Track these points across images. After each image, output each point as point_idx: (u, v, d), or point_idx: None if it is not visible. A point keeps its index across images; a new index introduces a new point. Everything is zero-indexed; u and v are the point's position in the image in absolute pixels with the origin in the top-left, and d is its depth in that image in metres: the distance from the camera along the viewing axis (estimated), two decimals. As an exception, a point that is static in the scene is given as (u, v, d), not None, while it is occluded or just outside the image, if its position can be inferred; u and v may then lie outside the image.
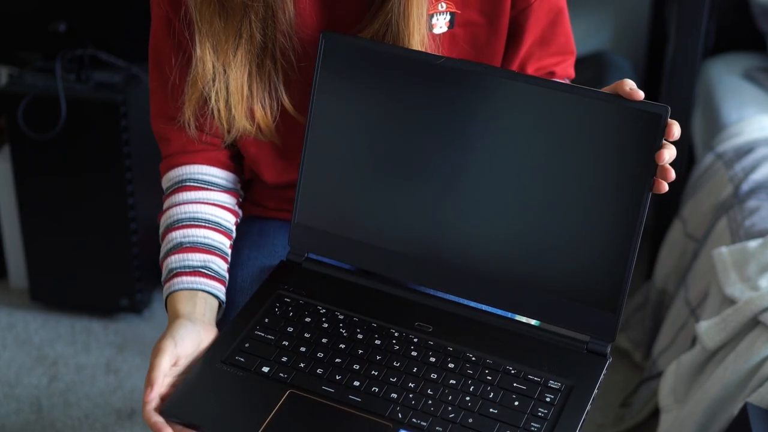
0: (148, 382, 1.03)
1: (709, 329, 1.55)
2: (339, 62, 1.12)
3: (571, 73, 1.25)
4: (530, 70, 1.20)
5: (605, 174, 1.03)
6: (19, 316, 2.29)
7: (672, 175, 1.00)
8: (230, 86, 1.11)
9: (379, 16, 1.10)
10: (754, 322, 1.50)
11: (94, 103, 2.07)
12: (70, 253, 2.22)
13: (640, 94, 1.01)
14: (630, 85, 1.01)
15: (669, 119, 1.00)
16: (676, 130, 1.00)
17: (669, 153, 1.00)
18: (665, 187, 1.01)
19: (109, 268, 2.22)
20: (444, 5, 1.13)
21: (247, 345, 1.09)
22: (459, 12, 1.14)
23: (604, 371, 1.04)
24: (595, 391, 1.02)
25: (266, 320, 1.12)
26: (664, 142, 1.00)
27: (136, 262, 2.21)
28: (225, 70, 1.11)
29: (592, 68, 2.46)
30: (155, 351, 1.05)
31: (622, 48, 2.64)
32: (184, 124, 1.16)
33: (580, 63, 2.52)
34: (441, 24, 1.14)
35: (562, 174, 1.05)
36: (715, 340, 1.54)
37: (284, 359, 1.07)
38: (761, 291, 1.52)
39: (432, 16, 1.13)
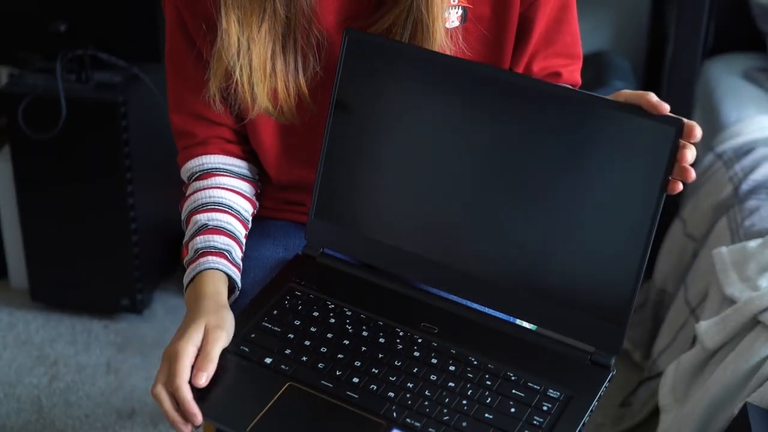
0: (182, 400, 1.02)
1: (708, 329, 1.55)
2: (361, 60, 1.12)
3: (578, 78, 1.24)
4: (536, 69, 1.20)
5: (617, 187, 1.03)
6: (19, 315, 2.29)
7: (692, 175, 0.99)
8: (254, 62, 1.11)
9: (396, 8, 1.10)
10: (754, 322, 1.50)
11: (94, 104, 2.07)
12: (70, 253, 2.22)
13: (666, 107, 0.99)
14: (656, 97, 0.99)
15: (688, 121, 0.98)
16: (697, 131, 0.98)
17: (690, 153, 0.98)
18: (680, 187, 1.00)
19: (109, 268, 2.22)
20: None
21: (253, 335, 1.10)
22: (471, 7, 1.13)
23: (605, 383, 1.03)
24: (595, 402, 1.02)
25: (275, 312, 1.12)
26: (683, 143, 0.98)
27: (137, 262, 2.21)
28: (249, 45, 1.11)
29: (592, 68, 2.45)
30: (174, 354, 1.04)
31: (622, 48, 2.64)
32: (209, 99, 1.16)
33: (580, 63, 2.53)
34: (453, 18, 1.13)
35: (576, 185, 1.04)
36: (714, 340, 1.54)
37: (287, 352, 1.07)
38: (761, 291, 1.52)
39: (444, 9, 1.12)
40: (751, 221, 1.75)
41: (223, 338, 1.06)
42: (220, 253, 1.15)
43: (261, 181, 1.29)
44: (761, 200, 1.80)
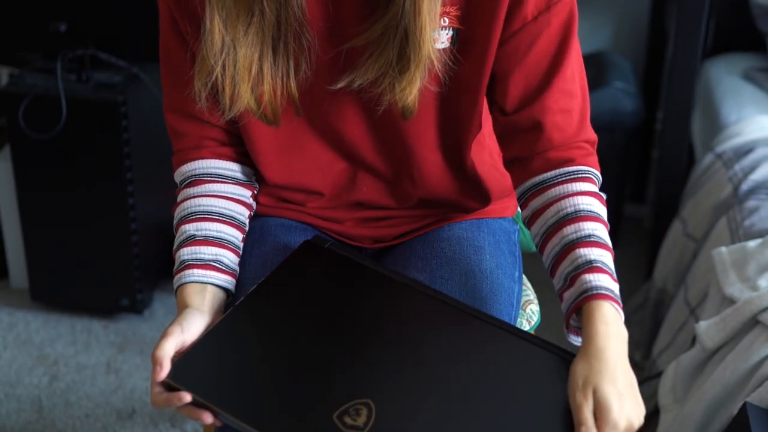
0: (156, 361, 1.04)
1: (708, 329, 1.55)
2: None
3: (592, 163, 1.17)
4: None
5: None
6: (19, 316, 2.29)
7: None
8: (238, 63, 1.11)
9: (386, 17, 1.07)
10: (753, 322, 1.50)
11: (94, 103, 2.07)
12: (70, 253, 2.22)
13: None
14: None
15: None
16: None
17: None
18: None
19: (109, 268, 2.22)
20: (447, 20, 1.09)
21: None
22: (462, 29, 1.10)
23: None
24: None
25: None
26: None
27: (137, 262, 2.21)
28: (234, 46, 1.10)
29: (592, 68, 2.46)
30: (163, 334, 1.07)
31: (622, 48, 2.65)
32: (195, 96, 1.15)
33: (580, 63, 2.53)
34: (443, 39, 1.10)
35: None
36: (714, 339, 1.54)
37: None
38: (761, 291, 1.52)
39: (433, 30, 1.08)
40: (750, 221, 1.75)
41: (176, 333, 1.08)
42: (207, 264, 1.16)
43: (258, 180, 1.29)
44: (761, 200, 1.80)
